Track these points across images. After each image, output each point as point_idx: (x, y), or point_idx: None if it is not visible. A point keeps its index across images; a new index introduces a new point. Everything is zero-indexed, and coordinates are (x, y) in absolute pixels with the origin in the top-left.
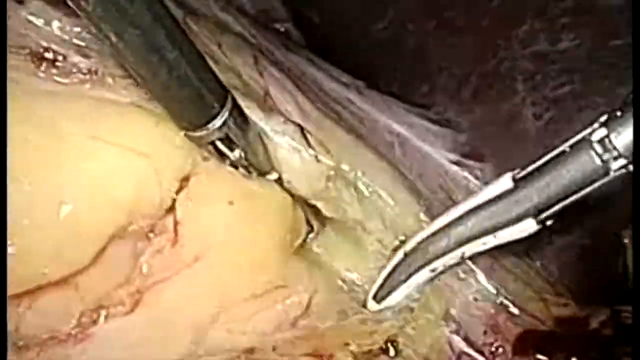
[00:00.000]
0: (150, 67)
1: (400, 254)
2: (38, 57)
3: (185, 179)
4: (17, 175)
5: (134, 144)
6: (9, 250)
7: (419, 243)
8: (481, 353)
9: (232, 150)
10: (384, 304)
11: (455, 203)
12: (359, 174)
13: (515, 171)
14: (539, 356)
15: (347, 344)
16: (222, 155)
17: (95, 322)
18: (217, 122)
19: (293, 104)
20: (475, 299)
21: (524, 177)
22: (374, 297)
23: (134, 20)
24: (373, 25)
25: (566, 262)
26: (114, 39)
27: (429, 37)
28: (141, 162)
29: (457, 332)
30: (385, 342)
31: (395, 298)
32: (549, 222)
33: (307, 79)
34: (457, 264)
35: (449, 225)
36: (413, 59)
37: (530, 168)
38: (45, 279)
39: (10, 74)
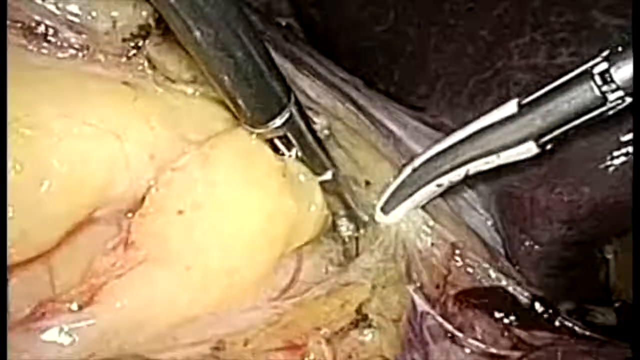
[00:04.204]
0: (218, 65)
1: (408, 170)
2: (30, 32)
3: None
4: None
5: (106, 124)
6: None
7: (427, 160)
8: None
9: (289, 149)
10: (392, 215)
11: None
12: None
13: (521, 97)
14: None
15: (318, 329)
16: (278, 153)
17: (42, 317)
18: (277, 122)
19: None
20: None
21: (529, 104)
22: (382, 209)
23: (208, 18)
24: (374, 27)
25: (545, 272)
26: (187, 33)
27: (429, 43)
28: (112, 143)
29: (418, 290)
30: (357, 311)
31: (403, 210)
32: (548, 147)
33: (306, 71)
34: (462, 181)
35: (456, 144)
36: (412, 63)
37: (534, 95)
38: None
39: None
